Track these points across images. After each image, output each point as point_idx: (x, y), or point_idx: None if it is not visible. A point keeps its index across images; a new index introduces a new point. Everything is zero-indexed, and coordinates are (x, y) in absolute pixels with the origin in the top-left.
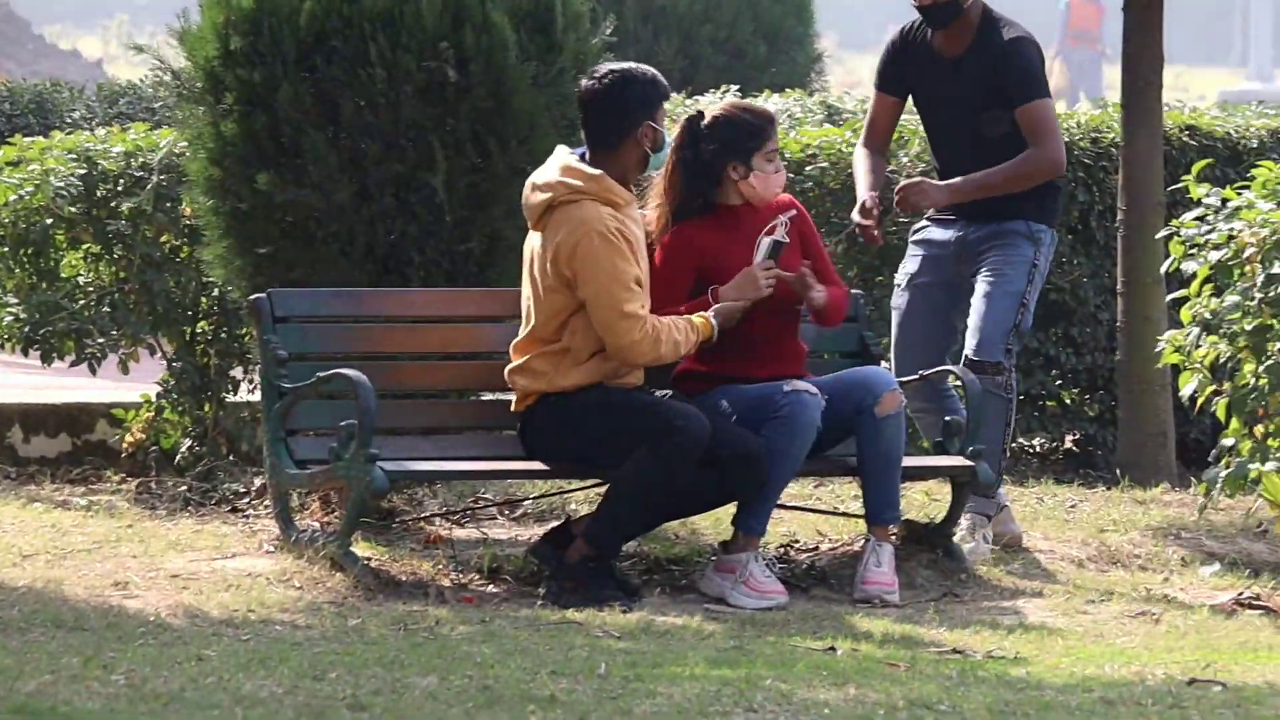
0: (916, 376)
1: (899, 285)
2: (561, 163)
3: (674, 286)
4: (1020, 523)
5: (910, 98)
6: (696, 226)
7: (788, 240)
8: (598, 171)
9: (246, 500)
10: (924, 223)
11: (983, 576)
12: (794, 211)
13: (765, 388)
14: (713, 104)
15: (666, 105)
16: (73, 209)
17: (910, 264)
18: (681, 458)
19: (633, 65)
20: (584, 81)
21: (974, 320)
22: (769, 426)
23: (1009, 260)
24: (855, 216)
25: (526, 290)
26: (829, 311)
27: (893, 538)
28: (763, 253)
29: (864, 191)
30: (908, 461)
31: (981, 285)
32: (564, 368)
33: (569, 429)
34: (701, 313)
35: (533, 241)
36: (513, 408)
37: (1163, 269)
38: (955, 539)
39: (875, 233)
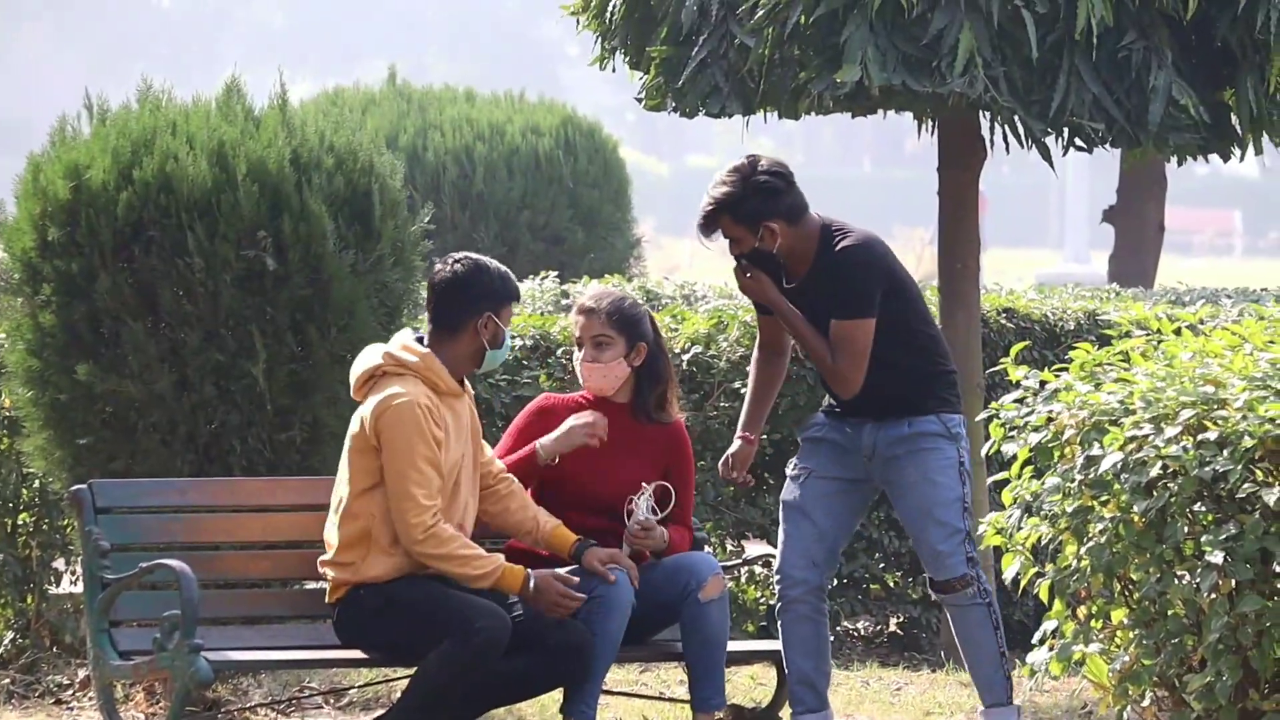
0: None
1: (794, 478)
2: (397, 339)
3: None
4: (846, 705)
5: None
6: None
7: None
8: (426, 350)
9: (71, 692)
10: (819, 419)
11: None
12: (654, 486)
13: (575, 569)
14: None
15: (513, 309)
16: None
17: (808, 458)
18: (479, 658)
19: (488, 260)
20: (437, 264)
21: (924, 542)
22: (584, 608)
23: (934, 467)
24: (720, 467)
25: (343, 471)
26: (665, 553)
27: None
28: (641, 512)
29: (740, 427)
30: (732, 646)
31: (914, 500)
32: (370, 556)
33: (376, 623)
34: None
35: (355, 417)
36: (326, 599)
37: (983, 451)
38: None
39: (736, 478)
